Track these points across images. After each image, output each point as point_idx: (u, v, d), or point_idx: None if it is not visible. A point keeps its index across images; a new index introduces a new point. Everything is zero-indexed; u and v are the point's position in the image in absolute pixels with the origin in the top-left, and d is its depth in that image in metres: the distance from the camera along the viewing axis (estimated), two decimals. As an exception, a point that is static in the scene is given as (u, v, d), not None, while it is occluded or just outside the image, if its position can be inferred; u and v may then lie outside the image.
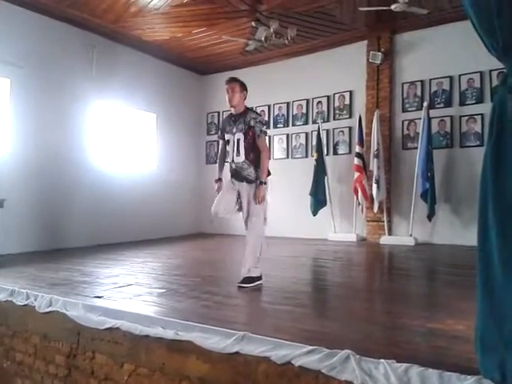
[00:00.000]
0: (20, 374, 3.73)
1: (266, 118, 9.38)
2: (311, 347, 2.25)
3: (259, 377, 2.34)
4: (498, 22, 1.75)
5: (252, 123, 4.03)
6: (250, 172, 4.06)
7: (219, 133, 4.38)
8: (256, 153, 4.07)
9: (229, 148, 4.15)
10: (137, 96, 8.58)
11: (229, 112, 4.27)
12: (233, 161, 4.10)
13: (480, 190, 1.89)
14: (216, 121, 10.15)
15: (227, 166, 4.26)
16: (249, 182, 4.07)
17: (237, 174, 4.11)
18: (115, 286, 4.12)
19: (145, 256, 6.36)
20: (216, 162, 4.45)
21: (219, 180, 4.30)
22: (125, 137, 8.58)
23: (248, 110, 4.19)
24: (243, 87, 4.15)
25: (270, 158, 4.29)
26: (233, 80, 4.15)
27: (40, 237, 6.79)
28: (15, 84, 6.58)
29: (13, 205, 6.07)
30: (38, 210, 6.75)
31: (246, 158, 4.03)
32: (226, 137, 4.18)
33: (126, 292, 3.87)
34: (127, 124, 8.63)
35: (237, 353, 2.44)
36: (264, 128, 4.13)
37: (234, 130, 4.09)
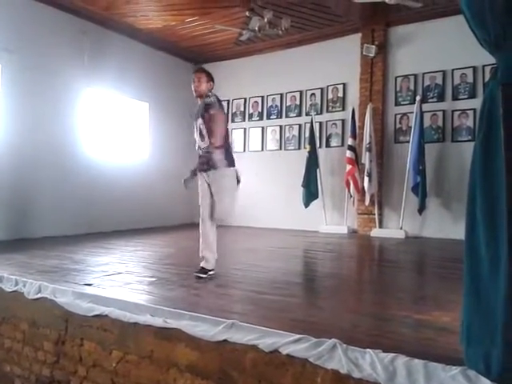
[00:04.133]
0: (8, 361, 3.73)
1: (260, 110, 9.35)
2: (299, 336, 2.27)
3: (247, 364, 2.35)
4: (491, 15, 1.75)
5: (207, 101, 4.00)
6: (216, 157, 3.92)
7: None
8: (217, 137, 3.94)
9: (195, 134, 4.09)
10: (129, 84, 8.51)
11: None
12: (199, 147, 4.05)
13: (469, 183, 1.90)
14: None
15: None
16: (214, 167, 3.93)
17: (203, 163, 3.99)
18: (105, 274, 4.12)
19: (136, 245, 6.35)
20: None
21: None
22: (116, 125, 8.52)
23: (208, 94, 4.10)
24: (210, 77, 4.12)
25: (227, 145, 4.08)
26: (199, 70, 4.23)
27: (29, 224, 6.75)
28: (5, 69, 6.51)
29: (0, 192, 6.04)
30: (26, 197, 6.70)
31: (210, 142, 3.93)
32: (195, 123, 4.10)
33: (116, 280, 3.87)
34: (119, 113, 8.58)
35: (225, 341, 2.45)
36: (213, 109, 3.95)
37: (196, 116, 4.06)
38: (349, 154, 7.74)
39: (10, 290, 3.73)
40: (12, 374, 3.69)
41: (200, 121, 3.99)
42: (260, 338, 2.35)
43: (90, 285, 3.65)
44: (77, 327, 3.18)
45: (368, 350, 2.08)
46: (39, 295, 3.51)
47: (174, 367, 2.63)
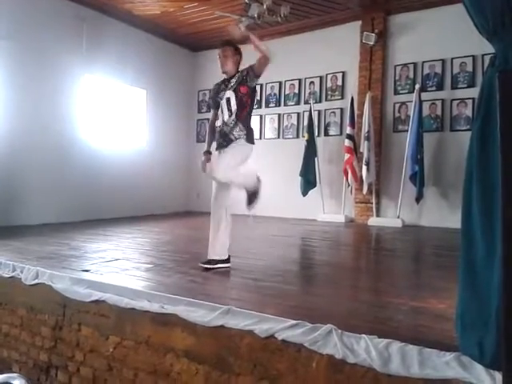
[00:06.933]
0: (6, 346, 3.74)
1: (258, 98, 9.31)
2: (294, 321, 2.29)
3: (243, 350, 2.37)
4: (489, 1, 1.75)
5: (244, 73, 3.82)
6: (237, 130, 3.80)
7: (210, 102, 4.08)
8: (246, 112, 3.85)
9: (220, 112, 3.89)
10: (127, 71, 8.47)
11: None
12: (224, 123, 3.83)
13: (465, 171, 1.91)
14: (207, 98, 10.07)
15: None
16: (232, 140, 3.79)
17: (223, 139, 3.81)
18: (103, 261, 4.13)
19: (133, 232, 6.36)
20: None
21: (208, 152, 3.93)
22: (114, 113, 8.50)
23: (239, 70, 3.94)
24: (237, 51, 3.93)
25: (248, 116, 3.93)
26: (225, 43, 3.93)
27: (26, 211, 6.74)
28: (2, 56, 6.46)
29: (-1, 178, 6.06)
30: (23, 184, 6.68)
31: (236, 116, 3.80)
32: (221, 103, 3.87)
33: (114, 266, 3.88)
34: (117, 99, 8.54)
35: (221, 326, 2.47)
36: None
37: (225, 91, 3.85)
38: (347, 142, 7.72)
39: (8, 276, 3.75)
40: (9, 359, 3.70)
41: (230, 94, 3.81)
42: (256, 324, 2.37)
43: (87, 271, 3.66)
44: (74, 313, 3.20)
45: (363, 335, 2.09)
46: (37, 281, 3.52)
47: (171, 352, 2.64)
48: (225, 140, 3.82)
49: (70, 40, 7.41)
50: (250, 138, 3.87)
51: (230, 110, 3.82)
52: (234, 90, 3.82)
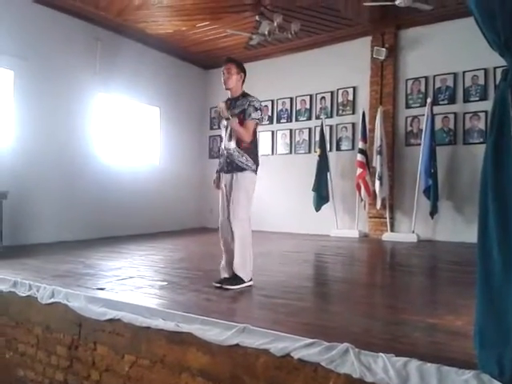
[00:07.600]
0: (22, 365, 3.76)
1: (270, 113, 9.37)
2: (310, 340, 2.27)
3: (258, 369, 2.35)
4: (500, 16, 1.75)
5: (246, 106, 3.81)
6: (243, 160, 3.79)
7: (217, 121, 4.16)
8: (251, 140, 3.86)
9: (222, 134, 3.96)
10: (140, 89, 8.59)
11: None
12: (224, 147, 3.89)
13: (480, 184, 1.89)
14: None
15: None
16: (240, 170, 3.79)
17: (227, 164, 3.85)
18: (117, 279, 4.14)
19: (147, 249, 6.38)
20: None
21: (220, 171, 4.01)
22: (128, 130, 8.59)
23: (246, 94, 3.95)
24: (240, 68, 3.93)
25: (254, 147, 3.91)
26: (228, 60, 3.93)
27: (43, 229, 6.80)
28: (19, 76, 6.60)
29: (15, 197, 6.13)
30: (39, 203, 6.75)
31: (237, 145, 3.82)
32: (222, 124, 3.96)
33: (128, 284, 3.89)
34: (131, 118, 8.64)
35: (237, 345, 2.45)
36: (256, 114, 3.83)
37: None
38: (359, 157, 7.72)
39: (24, 295, 3.77)
40: (25, 379, 3.72)
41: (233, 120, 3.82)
42: (271, 343, 2.35)
43: (102, 289, 3.68)
44: (90, 331, 3.20)
45: (380, 354, 2.07)
46: (52, 300, 3.54)
47: (186, 371, 2.63)
48: (231, 166, 3.83)
49: (84, 59, 7.54)
50: (255, 168, 3.87)
51: (230, 134, 3.86)
52: (238, 117, 3.81)
